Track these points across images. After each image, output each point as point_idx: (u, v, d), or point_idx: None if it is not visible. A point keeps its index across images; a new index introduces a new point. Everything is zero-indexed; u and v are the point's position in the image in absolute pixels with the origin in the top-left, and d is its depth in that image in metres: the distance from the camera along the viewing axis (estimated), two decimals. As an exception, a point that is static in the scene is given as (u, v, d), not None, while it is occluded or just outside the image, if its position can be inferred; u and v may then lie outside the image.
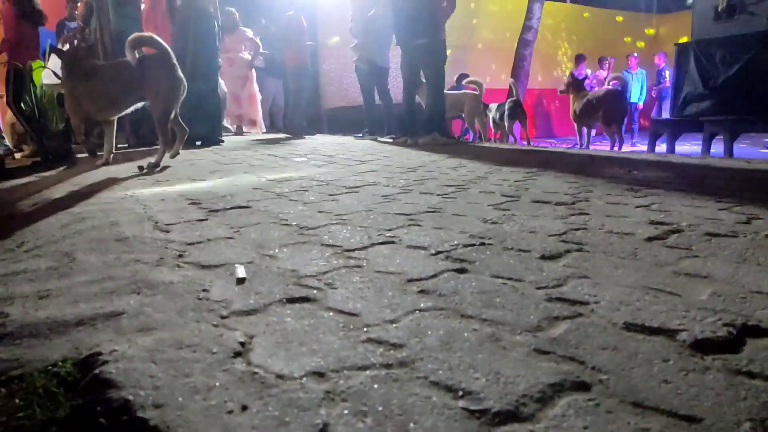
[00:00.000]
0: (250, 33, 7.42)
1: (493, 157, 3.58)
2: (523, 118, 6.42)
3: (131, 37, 2.93)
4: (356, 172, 2.77)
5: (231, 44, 6.94)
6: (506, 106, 6.44)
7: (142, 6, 5.43)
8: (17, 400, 0.71)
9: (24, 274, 1.20)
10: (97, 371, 0.70)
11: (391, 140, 5.74)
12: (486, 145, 5.57)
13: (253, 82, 7.43)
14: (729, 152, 4.50)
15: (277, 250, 1.26)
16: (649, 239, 1.32)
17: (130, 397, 0.63)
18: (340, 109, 10.13)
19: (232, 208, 1.78)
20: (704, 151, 4.78)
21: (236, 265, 1.11)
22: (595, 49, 11.55)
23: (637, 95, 10.61)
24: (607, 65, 11.20)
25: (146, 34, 3.21)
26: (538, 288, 0.99)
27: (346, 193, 2.07)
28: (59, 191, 2.35)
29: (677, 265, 1.11)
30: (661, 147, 5.60)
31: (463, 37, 10.44)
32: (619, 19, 13.02)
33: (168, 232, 1.46)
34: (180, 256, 1.22)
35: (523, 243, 1.29)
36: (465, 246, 1.27)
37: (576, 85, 6.38)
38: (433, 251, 1.23)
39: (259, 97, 7.51)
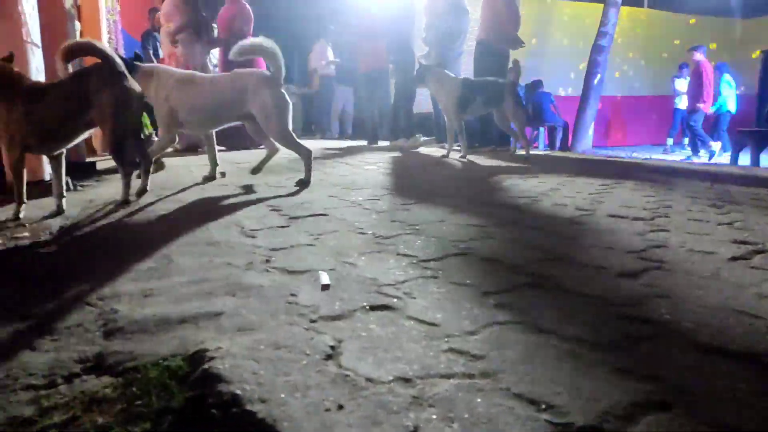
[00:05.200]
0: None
1: (565, 168, 3.52)
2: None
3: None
4: (424, 180, 2.81)
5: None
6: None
7: None
8: (134, 389, 0.79)
9: (128, 273, 1.32)
10: (206, 366, 0.78)
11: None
12: (555, 154, 5.46)
13: None
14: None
15: (355, 258, 1.32)
16: (732, 259, 1.28)
17: (239, 392, 0.70)
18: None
19: (310, 215, 1.87)
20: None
21: (320, 272, 1.18)
22: (672, 54, 11.05)
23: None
24: (690, 72, 10.66)
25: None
26: (617, 305, 0.99)
27: (416, 203, 2.12)
28: (148, 196, 2.54)
29: (761, 287, 1.08)
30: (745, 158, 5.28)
31: (538, 44, 10.30)
32: (692, 21, 12.31)
33: (254, 237, 1.56)
34: (267, 261, 1.31)
35: (599, 259, 1.29)
36: (540, 260, 1.28)
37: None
38: (508, 264, 1.25)
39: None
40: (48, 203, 2.25)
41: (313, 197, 2.27)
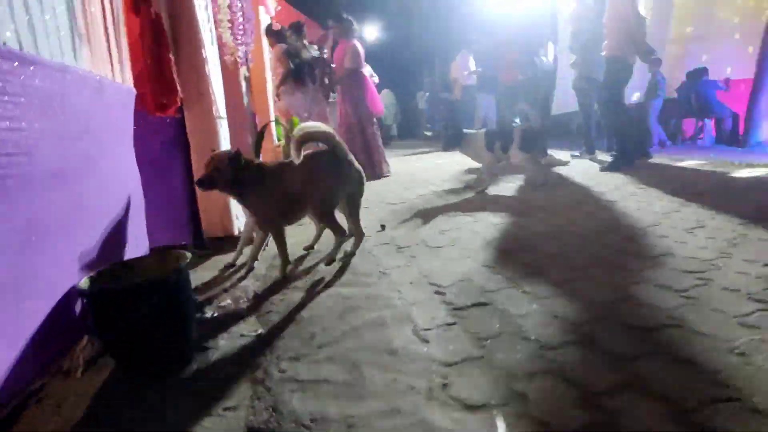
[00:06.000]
0: None
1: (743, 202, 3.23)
2: None
3: (302, 132, 2.60)
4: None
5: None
6: None
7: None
8: None
9: (326, 384, 1.58)
10: None
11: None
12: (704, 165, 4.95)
13: None
14: None
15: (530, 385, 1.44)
16: None
17: None
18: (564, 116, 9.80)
19: (473, 305, 2.02)
20: None
21: (497, 420, 1.31)
22: None
23: None
24: None
25: (318, 126, 2.69)
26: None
27: (574, 279, 2.15)
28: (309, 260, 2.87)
29: None
30: None
31: (699, 28, 9.30)
32: None
33: (427, 342, 1.75)
34: (445, 386, 1.48)
35: (759, 400, 1.26)
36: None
37: None
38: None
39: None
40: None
41: (466, 267, 2.40)
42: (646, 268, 2.26)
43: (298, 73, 5.80)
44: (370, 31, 14.27)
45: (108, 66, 2.21)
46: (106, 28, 2.19)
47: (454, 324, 1.87)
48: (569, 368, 1.51)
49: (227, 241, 3.60)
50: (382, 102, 7.53)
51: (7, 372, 1.40)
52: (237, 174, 2.53)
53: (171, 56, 2.83)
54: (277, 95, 5.94)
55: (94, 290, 1.70)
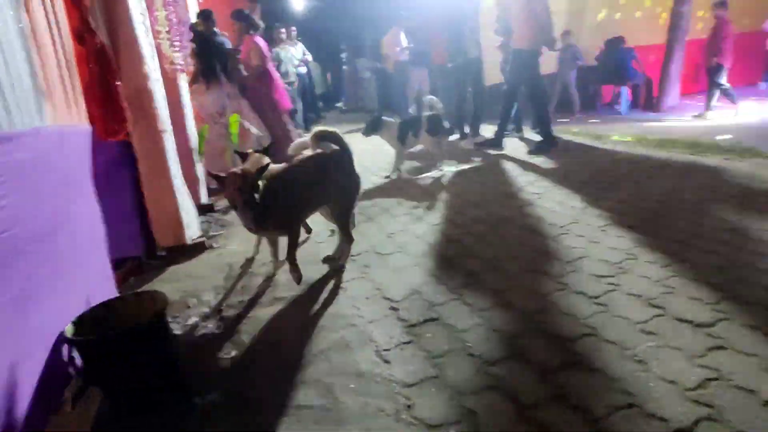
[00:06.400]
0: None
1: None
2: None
3: (318, 132, 2.82)
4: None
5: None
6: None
7: None
8: None
9: (306, 410, 1.84)
10: None
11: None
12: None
13: None
14: None
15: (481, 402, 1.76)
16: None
17: None
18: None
19: (425, 321, 2.32)
20: None
21: (453, 436, 1.63)
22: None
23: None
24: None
25: (332, 129, 2.88)
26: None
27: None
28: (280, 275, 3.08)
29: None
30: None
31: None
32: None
33: (389, 363, 2.04)
34: (409, 407, 1.78)
35: (652, 405, 1.64)
36: (618, 410, 1.66)
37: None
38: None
39: None
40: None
41: (413, 277, 2.69)
42: (566, 273, 2.65)
43: (209, 69, 5.41)
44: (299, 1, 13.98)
45: (66, 110, 2.26)
46: (61, 75, 2.22)
47: (409, 343, 2.17)
48: (508, 383, 1.85)
49: (180, 251, 3.71)
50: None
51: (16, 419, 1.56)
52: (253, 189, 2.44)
53: (118, 83, 2.85)
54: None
55: (85, 338, 1.85)
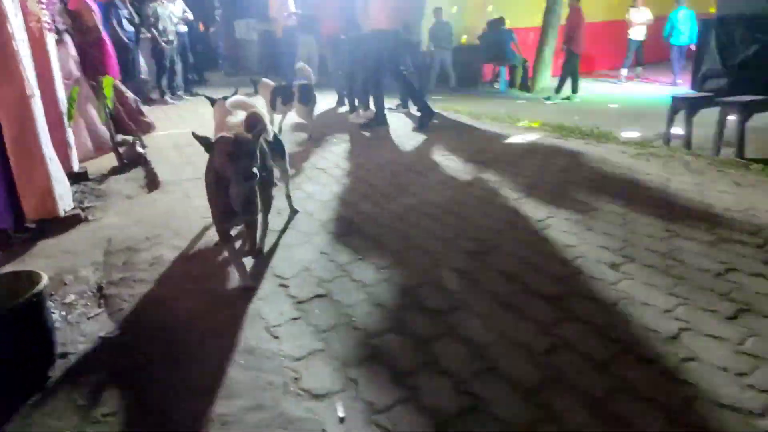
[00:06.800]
0: None
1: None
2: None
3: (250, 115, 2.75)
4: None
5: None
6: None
7: None
8: None
9: (196, 386, 1.90)
10: None
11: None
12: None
13: None
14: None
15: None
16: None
17: None
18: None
19: (314, 297, 2.45)
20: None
21: (337, 405, 1.79)
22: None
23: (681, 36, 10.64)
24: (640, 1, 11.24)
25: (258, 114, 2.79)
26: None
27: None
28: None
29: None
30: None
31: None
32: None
33: (278, 338, 2.15)
34: (296, 379, 1.92)
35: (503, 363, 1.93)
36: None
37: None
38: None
39: None
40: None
41: (306, 255, 2.81)
42: (445, 251, 2.91)
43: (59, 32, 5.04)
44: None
45: None
46: None
47: (298, 319, 2.30)
48: (386, 352, 2.05)
49: (53, 223, 3.49)
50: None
51: None
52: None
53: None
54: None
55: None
